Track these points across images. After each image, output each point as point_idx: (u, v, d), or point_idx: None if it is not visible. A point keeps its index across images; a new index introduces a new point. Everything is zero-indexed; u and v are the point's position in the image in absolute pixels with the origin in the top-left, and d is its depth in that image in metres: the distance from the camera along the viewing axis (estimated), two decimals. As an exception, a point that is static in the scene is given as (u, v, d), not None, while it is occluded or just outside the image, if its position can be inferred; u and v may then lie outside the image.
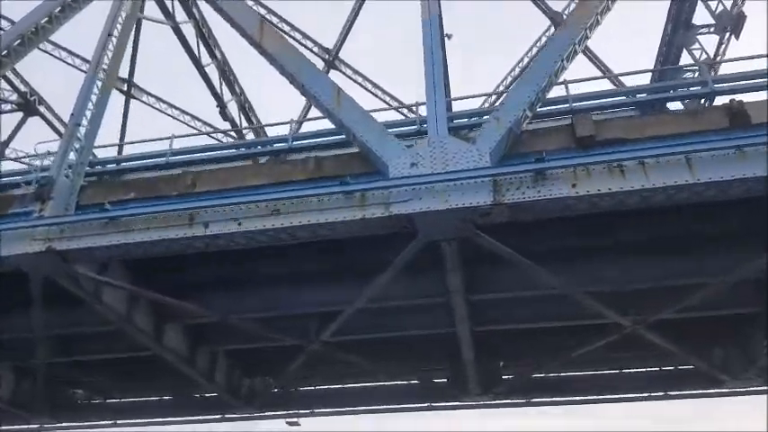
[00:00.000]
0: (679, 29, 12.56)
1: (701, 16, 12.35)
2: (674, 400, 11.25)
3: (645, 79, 10.83)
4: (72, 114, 8.19)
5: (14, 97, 14.22)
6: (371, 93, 14.61)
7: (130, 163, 9.30)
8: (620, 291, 8.18)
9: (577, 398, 11.39)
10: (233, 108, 14.69)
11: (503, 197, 6.06)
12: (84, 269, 7.39)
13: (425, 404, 11.75)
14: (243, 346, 10.43)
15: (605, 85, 12.38)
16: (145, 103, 15.01)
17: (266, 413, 12.44)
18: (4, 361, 11.00)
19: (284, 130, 9.02)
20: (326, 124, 8.67)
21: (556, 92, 7.91)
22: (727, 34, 11.84)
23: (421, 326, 9.61)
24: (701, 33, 12.21)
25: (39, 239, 6.98)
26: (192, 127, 14.79)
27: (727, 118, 6.73)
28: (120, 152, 11.16)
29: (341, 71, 14.80)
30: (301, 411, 12.53)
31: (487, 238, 6.60)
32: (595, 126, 6.96)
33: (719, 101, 7.59)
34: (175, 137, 8.72)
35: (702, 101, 8.17)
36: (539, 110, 7.22)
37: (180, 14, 13.41)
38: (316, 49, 14.78)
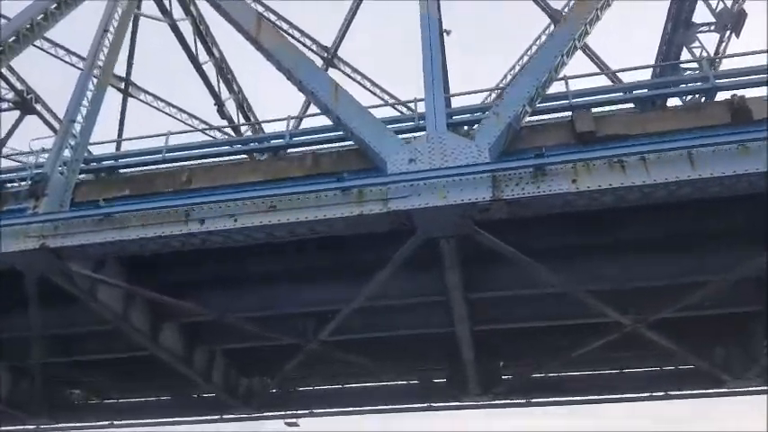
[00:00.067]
0: (679, 27, 12.51)
1: (701, 14, 12.31)
2: (674, 400, 11.17)
3: (645, 77, 10.69)
4: (67, 111, 8.10)
5: (11, 95, 14.15)
6: (370, 91, 14.56)
7: (126, 160, 9.20)
8: (621, 289, 8.12)
9: (577, 398, 11.33)
10: (231, 106, 14.63)
11: (502, 193, 5.98)
12: (79, 267, 7.31)
13: (425, 404, 11.67)
14: (240, 346, 10.35)
15: (605, 82, 12.29)
16: (142, 101, 14.94)
17: (264, 413, 12.37)
18: (2, 361, 10.92)
19: (282, 128, 8.88)
20: (325, 122, 8.66)
21: (556, 89, 7.91)
22: (728, 32, 11.79)
23: (420, 325, 9.54)
24: (701, 31, 12.17)
25: (33, 236, 6.90)
26: (190, 125, 14.69)
27: (728, 114, 6.67)
28: (117, 150, 11.06)
29: (339, 69, 14.74)
30: (300, 411, 12.46)
31: (487, 235, 6.53)
32: (595, 122, 6.90)
33: (720, 99, 7.56)
34: (171, 133, 8.64)
35: (702, 98, 8.07)
36: (538, 105, 7.14)
37: (177, 12, 13.36)
38: (314, 47, 14.72)
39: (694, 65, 11.55)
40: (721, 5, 11.47)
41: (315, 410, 12.31)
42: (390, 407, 11.85)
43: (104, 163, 9.22)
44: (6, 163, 11.10)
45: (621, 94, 8.12)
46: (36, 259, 7.05)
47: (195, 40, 13.77)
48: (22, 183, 7.83)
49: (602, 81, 12.39)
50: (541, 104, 7.32)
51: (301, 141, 8.52)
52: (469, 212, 6.18)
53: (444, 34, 9.07)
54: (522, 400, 11.42)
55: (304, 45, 14.53)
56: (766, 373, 9.76)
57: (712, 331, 9.49)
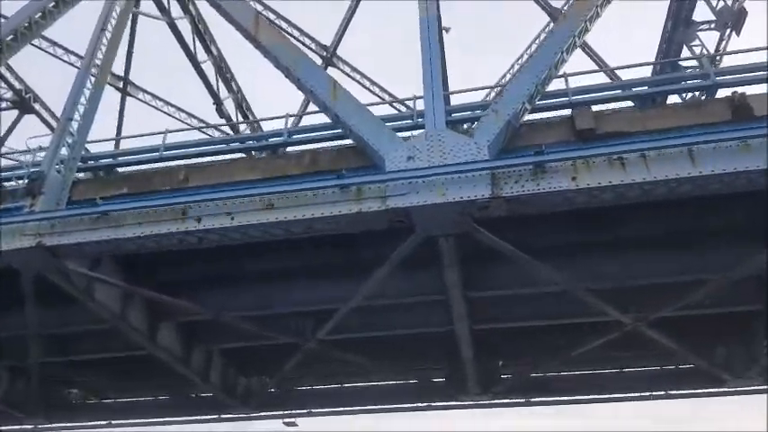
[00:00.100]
0: (679, 25, 12.46)
1: (701, 12, 12.27)
2: (672, 400, 11.13)
3: (645, 75, 10.63)
4: (64, 109, 8.06)
5: (9, 95, 14.11)
6: (369, 90, 14.52)
7: (124, 158, 9.16)
8: (621, 287, 8.07)
9: (577, 397, 11.27)
10: (230, 106, 14.58)
11: (501, 190, 5.94)
12: (76, 265, 7.27)
13: (424, 404, 11.62)
14: (238, 345, 10.31)
15: (605, 80, 12.22)
16: (141, 100, 14.90)
17: (263, 413, 12.31)
18: (-1, 360, 10.88)
19: (281, 126, 8.83)
20: (324, 121, 8.62)
21: (555, 87, 7.86)
22: (728, 30, 11.74)
23: (419, 324, 9.50)
24: (701, 30, 12.11)
25: (29, 235, 6.86)
26: (188, 124, 14.65)
27: (729, 111, 6.63)
28: (115, 149, 11.03)
29: (338, 68, 14.70)
30: (298, 411, 12.40)
31: (486, 233, 6.50)
32: (596, 119, 6.86)
33: (721, 96, 7.51)
34: (169, 131, 8.60)
35: (701, 94, 8.03)
36: (538, 103, 7.10)
37: (176, 10, 13.30)
38: (313, 46, 14.68)
39: (694, 63, 11.48)
40: (722, 3, 11.43)
41: (313, 410, 12.24)
42: (389, 406, 11.79)
43: (102, 161, 9.18)
44: (4, 162, 11.05)
45: (622, 91, 8.06)
46: (32, 257, 7.01)
47: (194, 38, 13.74)
48: (19, 181, 7.77)
49: (602, 79, 12.34)
50: (541, 102, 7.28)
51: (299, 140, 8.47)
52: (468, 210, 6.14)
53: (444, 32, 9.05)
54: (522, 400, 11.37)
55: (303, 44, 14.49)
56: (767, 372, 9.71)
57: (713, 330, 9.44)
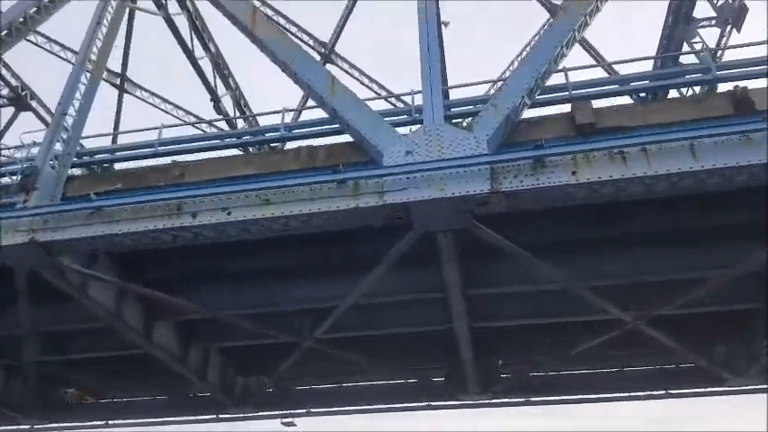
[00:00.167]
0: (679, 22, 12.35)
1: (701, 9, 12.18)
2: (665, 400, 11.04)
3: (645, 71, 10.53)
4: (59, 104, 7.97)
5: (6, 92, 14.01)
6: (367, 87, 14.45)
7: (119, 154, 9.07)
8: (622, 285, 8.00)
9: (577, 397, 11.18)
10: (227, 103, 14.48)
11: (500, 185, 5.87)
12: (70, 261, 7.18)
13: (423, 403, 11.53)
14: (236, 344, 10.24)
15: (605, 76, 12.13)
16: (138, 97, 14.81)
17: (261, 413, 12.22)
18: (-6, 359, 10.79)
19: (278, 122, 8.73)
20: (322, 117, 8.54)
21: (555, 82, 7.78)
22: (729, 27, 11.66)
23: (418, 322, 9.43)
24: (702, 26, 12.01)
25: (22, 230, 6.78)
26: (186, 122, 14.54)
27: (731, 105, 6.56)
28: (112, 144, 10.92)
29: (337, 65, 14.62)
30: (297, 411, 12.31)
31: (485, 229, 6.42)
32: (596, 114, 6.78)
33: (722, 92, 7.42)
34: (165, 126, 8.52)
35: (702, 89, 7.95)
36: (537, 98, 7.02)
37: (173, 6, 13.22)
38: (311, 43, 14.60)
39: (695, 60, 11.38)
40: (722, 0, 11.34)
41: (312, 410, 12.16)
42: (388, 406, 11.70)
43: (97, 157, 9.09)
44: (-1, 159, 10.95)
45: (620, 86, 7.97)
46: (26, 254, 6.93)
47: (191, 35, 13.65)
48: (13, 177, 7.68)
49: (603, 75, 12.24)
50: (541, 96, 7.20)
51: (297, 135, 8.38)
52: (467, 205, 6.06)
53: (443, 26, 8.97)
54: (522, 399, 11.30)
55: (301, 41, 14.41)
56: (767, 371, 9.63)
57: (713, 328, 9.37)
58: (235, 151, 9.05)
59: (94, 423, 12.61)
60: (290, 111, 9.08)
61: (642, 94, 8.51)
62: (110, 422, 12.54)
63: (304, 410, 12.21)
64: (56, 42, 13.99)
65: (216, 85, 14.35)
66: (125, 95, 14.76)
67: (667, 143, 5.69)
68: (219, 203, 6.39)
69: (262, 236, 6.73)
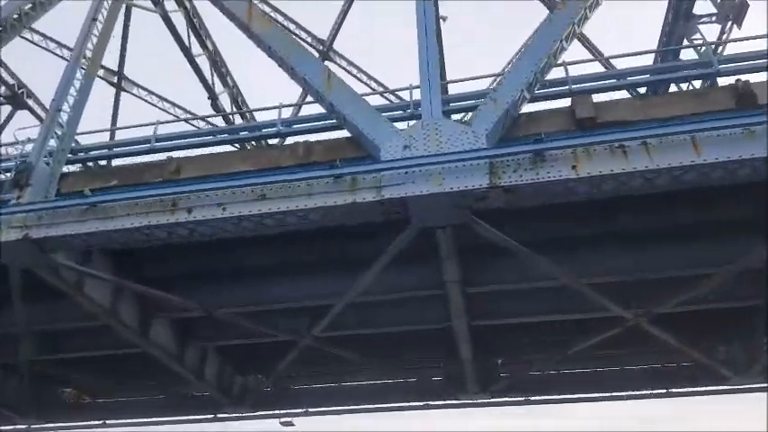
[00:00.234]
0: (679, 19, 12.29)
1: (701, 6, 12.12)
2: (662, 399, 10.97)
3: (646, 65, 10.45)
4: (53, 100, 7.89)
5: (2, 90, 13.91)
6: (366, 84, 14.36)
7: (114, 150, 8.98)
8: (623, 282, 7.93)
9: (577, 396, 11.11)
10: (225, 101, 14.40)
11: (499, 180, 5.77)
12: (64, 259, 7.10)
13: (421, 403, 11.46)
14: (233, 342, 10.16)
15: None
16: (135, 95, 14.72)
17: (259, 412, 12.15)
18: (-11, 358, 10.70)
19: (275, 118, 8.65)
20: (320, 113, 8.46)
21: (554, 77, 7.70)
22: (729, 23, 11.60)
23: (416, 321, 9.36)
24: (702, 23, 11.94)
25: (15, 227, 6.69)
26: (182, 118, 14.45)
27: (733, 99, 6.48)
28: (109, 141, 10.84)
29: (335, 62, 14.54)
30: (295, 411, 12.23)
31: (484, 224, 6.33)
32: (596, 108, 6.70)
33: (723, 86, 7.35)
34: (160, 123, 8.43)
35: (703, 83, 7.87)
36: (537, 92, 6.94)
37: (169, 3, 13.14)
38: (310, 40, 14.52)
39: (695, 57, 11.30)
40: (723, -4, 11.28)
41: (310, 409, 12.08)
42: (387, 405, 11.63)
43: (92, 153, 9.00)
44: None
45: (618, 80, 7.88)
46: (19, 251, 6.83)
47: (188, 32, 13.57)
48: (7, 174, 7.60)
49: (603, 71, 12.15)
50: (540, 91, 7.13)
51: (293, 131, 8.30)
52: (466, 200, 5.98)
53: (441, 21, 8.89)
54: (521, 399, 11.22)
55: (299, 38, 14.32)
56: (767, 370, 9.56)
57: (715, 326, 9.32)
58: (231, 148, 8.97)
59: (91, 423, 12.55)
60: (287, 106, 8.96)
61: (642, 90, 8.45)
62: (107, 422, 12.47)
63: (302, 410, 12.14)
64: (52, 40, 13.93)
65: (213, 83, 14.27)
66: (122, 94, 14.69)
67: (668, 137, 5.60)
68: (215, 199, 6.30)
69: (258, 232, 6.64)
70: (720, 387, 10.48)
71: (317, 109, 8.34)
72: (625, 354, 10.53)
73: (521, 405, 11.41)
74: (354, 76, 14.44)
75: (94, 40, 8.73)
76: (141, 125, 8.98)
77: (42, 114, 14.24)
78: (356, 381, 11.80)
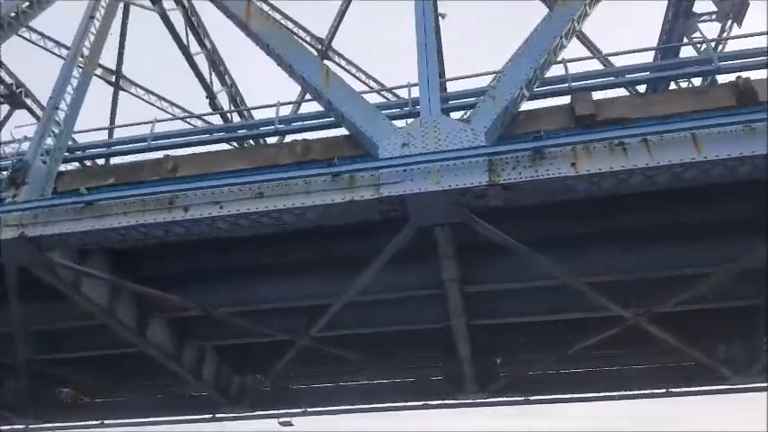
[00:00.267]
0: (679, 17, 12.24)
1: (701, 4, 12.08)
2: (660, 399, 10.93)
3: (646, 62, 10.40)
4: (50, 98, 7.84)
5: (0, 89, 13.86)
6: (365, 84, 14.30)
7: (112, 149, 8.93)
8: (623, 281, 7.89)
9: (577, 395, 11.07)
10: (224, 100, 14.33)
11: (498, 177, 5.73)
12: (61, 257, 7.05)
13: (420, 403, 11.42)
14: (232, 342, 10.12)
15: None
16: (133, 95, 14.67)
17: (258, 412, 12.10)
18: (-14, 358, 10.64)
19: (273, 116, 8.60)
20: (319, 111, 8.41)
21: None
22: (730, 22, 11.57)
23: (415, 320, 9.31)
24: (702, 21, 11.90)
25: (11, 225, 6.64)
26: (179, 117, 14.39)
27: (734, 96, 6.44)
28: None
29: (334, 61, 14.48)
30: (293, 411, 12.19)
31: (483, 223, 6.29)
32: (596, 105, 6.66)
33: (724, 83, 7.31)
34: (158, 120, 8.38)
35: (704, 81, 7.83)
36: (537, 90, 6.90)
37: (168, 2, 13.08)
38: (308, 39, 14.46)
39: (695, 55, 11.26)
40: (723, -6, 11.25)
41: (309, 409, 12.04)
42: (386, 405, 11.59)
43: (89, 152, 8.95)
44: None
45: (616, 78, 7.82)
46: (15, 249, 6.78)
47: (186, 30, 13.51)
48: (3, 173, 7.55)
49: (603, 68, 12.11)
50: (540, 89, 7.08)
51: (291, 129, 8.25)
52: (465, 198, 5.94)
53: (440, 18, 8.85)
54: (521, 398, 11.18)
55: (298, 36, 14.26)
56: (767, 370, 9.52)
57: (715, 326, 9.27)
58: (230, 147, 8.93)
59: (89, 423, 12.50)
60: (285, 104, 8.91)
61: (642, 88, 8.40)
62: (105, 422, 12.42)
63: (300, 410, 12.09)
64: (51, 39, 13.88)
65: (212, 82, 14.21)
66: (121, 93, 14.64)
67: (669, 134, 5.56)
68: (212, 197, 6.25)
69: (255, 231, 6.60)
70: (720, 387, 10.43)
71: (315, 108, 8.32)
72: (624, 353, 10.48)
73: (520, 405, 11.39)
74: (353, 76, 14.39)
75: (92, 38, 8.68)
76: (138, 123, 8.93)
77: (40, 113, 14.19)
78: (355, 381, 11.75)
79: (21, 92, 14.05)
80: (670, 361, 10.51)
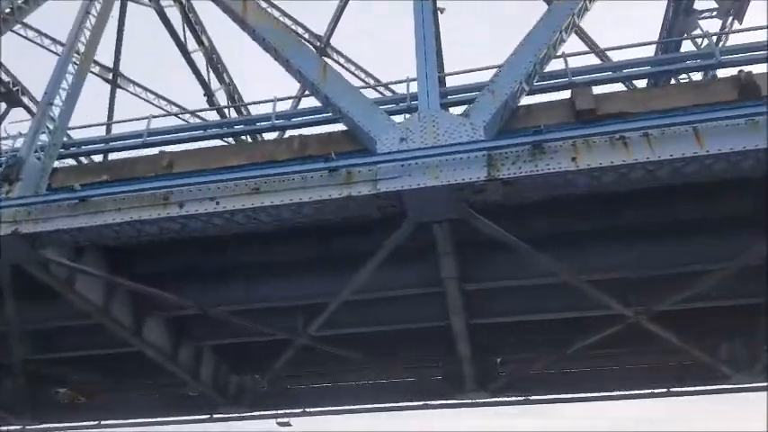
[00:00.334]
0: (679, 14, 12.19)
1: (702, 1, 12.02)
2: (650, 400, 10.86)
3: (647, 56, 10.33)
4: (45, 93, 7.77)
5: (-4, 87, 13.78)
6: (363, 81, 14.22)
7: (108, 145, 8.85)
8: (624, 279, 7.81)
9: (577, 395, 10.98)
10: (221, 98, 14.25)
11: (498, 172, 5.66)
12: (55, 255, 6.96)
13: (420, 402, 11.33)
14: (230, 342, 10.02)
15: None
16: (131, 93, 14.59)
17: (256, 413, 12.01)
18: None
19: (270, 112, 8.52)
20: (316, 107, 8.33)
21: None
22: (730, 19, 11.51)
23: (414, 319, 9.22)
24: (702, 18, 11.84)
25: (5, 222, 6.57)
26: (175, 113, 14.29)
27: (735, 90, 6.35)
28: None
29: (332, 58, 14.41)
30: (292, 411, 12.10)
31: (483, 219, 6.21)
32: (596, 99, 6.57)
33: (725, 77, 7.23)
34: (153, 116, 8.29)
35: (705, 75, 7.75)
36: (536, 84, 6.82)
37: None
38: (307, 36, 14.39)
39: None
40: (724, -9, 11.19)
41: (307, 409, 11.95)
42: (385, 405, 11.51)
43: (84, 148, 8.87)
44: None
45: (614, 73, 7.74)
46: (9, 246, 6.70)
47: (184, 27, 13.43)
48: (-2, 169, 7.45)
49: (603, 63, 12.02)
50: (540, 83, 7.01)
51: (289, 125, 8.17)
52: (464, 194, 5.86)
53: (438, 12, 8.77)
54: (521, 398, 11.09)
55: (296, 33, 14.17)
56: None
57: (717, 324, 9.18)
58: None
59: (87, 423, 12.42)
60: (282, 100, 8.82)
61: (643, 83, 8.32)
62: (102, 422, 12.34)
63: (299, 410, 12.00)
64: (47, 36, 13.80)
65: (209, 80, 14.13)
66: (119, 91, 14.56)
67: (670, 127, 5.49)
68: (207, 193, 6.18)
69: (252, 227, 6.53)
70: (721, 386, 10.34)
71: (313, 104, 8.24)
72: (625, 353, 10.38)
73: (520, 405, 11.31)
74: (352, 73, 14.32)
75: (87, 33, 8.61)
76: (134, 119, 8.85)
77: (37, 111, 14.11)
78: (354, 380, 11.67)
79: (17, 90, 13.97)
80: (671, 360, 10.42)
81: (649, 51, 11.35)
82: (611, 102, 6.60)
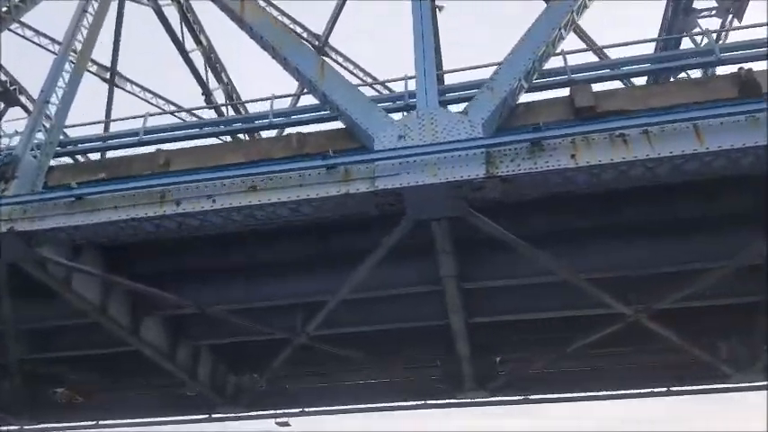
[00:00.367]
0: (679, 14, 12.16)
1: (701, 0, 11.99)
2: (661, 398, 10.84)
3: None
4: (41, 91, 7.73)
5: (-6, 86, 13.73)
6: (362, 80, 14.18)
7: (103, 143, 8.81)
8: (624, 277, 7.77)
9: (577, 394, 10.96)
10: (220, 98, 14.20)
11: (496, 169, 5.62)
12: (52, 253, 6.92)
13: (419, 402, 11.30)
14: (227, 341, 9.98)
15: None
16: (129, 92, 14.55)
17: (254, 413, 11.97)
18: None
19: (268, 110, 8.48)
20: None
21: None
22: (730, 17, 11.48)
23: (413, 318, 9.19)
24: (702, 17, 11.81)
25: (0, 220, 6.51)
26: (171, 111, 14.26)
27: (735, 87, 6.33)
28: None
29: (331, 57, 14.36)
30: (291, 411, 12.07)
31: (482, 217, 6.18)
32: (595, 96, 6.54)
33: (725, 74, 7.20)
34: (150, 114, 8.26)
35: (705, 72, 7.72)
36: (535, 82, 6.79)
37: (163, -2, 12.99)
38: (305, 35, 14.35)
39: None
40: (723, -10, 11.16)
41: (306, 409, 11.91)
42: (384, 405, 11.48)
43: (80, 146, 8.83)
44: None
45: (612, 70, 7.70)
46: (4, 245, 6.66)
47: (181, 26, 13.39)
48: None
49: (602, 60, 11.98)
50: (539, 81, 6.97)
51: (286, 122, 8.13)
52: (462, 191, 5.82)
53: (437, 10, 8.73)
54: (520, 397, 11.06)
55: (294, 32, 14.12)
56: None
57: (717, 323, 9.15)
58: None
59: (85, 423, 12.37)
60: (279, 97, 8.79)
61: (643, 81, 8.29)
62: (100, 422, 12.31)
63: (298, 410, 11.97)
64: (45, 36, 13.76)
65: (207, 79, 14.08)
66: (116, 91, 14.51)
67: (670, 124, 5.45)
68: (204, 191, 6.14)
69: (249, 225, 6.49)
70: (721, 386, 10.32)
71: (311, 102, 8.19)
72: (624, 351, 10.34)
73: (520, 404, 11.28)
74: (350, 72, 14.28)
75: (84, 32, 8.57)
76: (131, 117, 8.82)
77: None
78: (353, 380, 11.63)
79: (15, 89, 13.92)
80: (671, 359, 10.38)
81: (649, 49, 11.34)
82: (611, 99, 6.57)
